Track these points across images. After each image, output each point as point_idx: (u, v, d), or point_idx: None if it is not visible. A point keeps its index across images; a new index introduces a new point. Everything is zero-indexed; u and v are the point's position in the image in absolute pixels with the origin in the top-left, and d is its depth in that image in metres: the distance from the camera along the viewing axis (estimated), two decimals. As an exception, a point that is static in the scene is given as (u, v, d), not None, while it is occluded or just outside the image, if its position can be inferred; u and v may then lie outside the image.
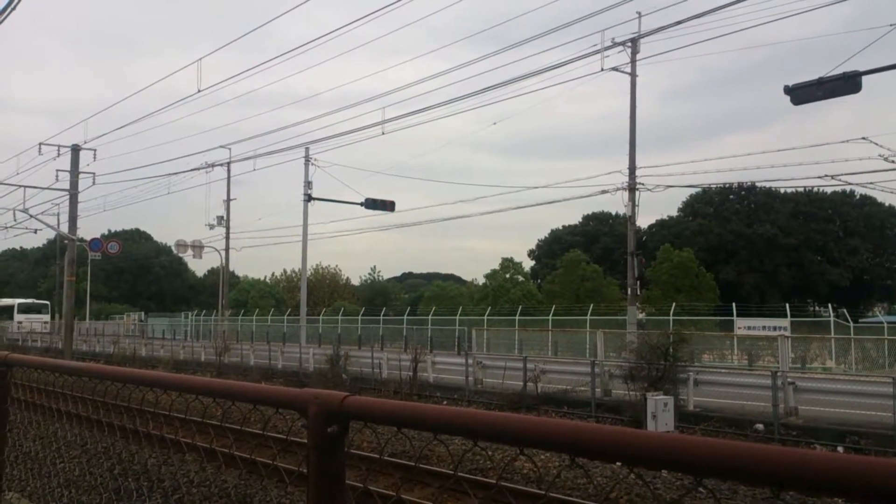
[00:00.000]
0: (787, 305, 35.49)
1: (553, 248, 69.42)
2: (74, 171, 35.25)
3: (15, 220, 40.73)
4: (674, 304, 37.74)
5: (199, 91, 32.51)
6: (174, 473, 8.18)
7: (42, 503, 5.03)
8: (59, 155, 35.70)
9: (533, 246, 75.10)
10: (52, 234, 50.69)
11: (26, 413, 4.74)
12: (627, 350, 21.12)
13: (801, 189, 62.62)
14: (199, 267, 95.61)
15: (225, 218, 44.77)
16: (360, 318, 47.70)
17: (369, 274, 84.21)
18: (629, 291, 27.88)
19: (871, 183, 24.18)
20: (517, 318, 39.34)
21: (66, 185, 35.88)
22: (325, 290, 73.20)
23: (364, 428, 1.78)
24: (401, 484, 7.90)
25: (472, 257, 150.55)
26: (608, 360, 21.57)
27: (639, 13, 25.35)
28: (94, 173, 36.81)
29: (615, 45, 25.74)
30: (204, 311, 58.99)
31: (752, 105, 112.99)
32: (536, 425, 1.27)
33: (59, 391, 4.11)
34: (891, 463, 0.91)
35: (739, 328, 33.01)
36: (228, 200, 44.69)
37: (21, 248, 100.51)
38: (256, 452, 3.06)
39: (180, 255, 59.53)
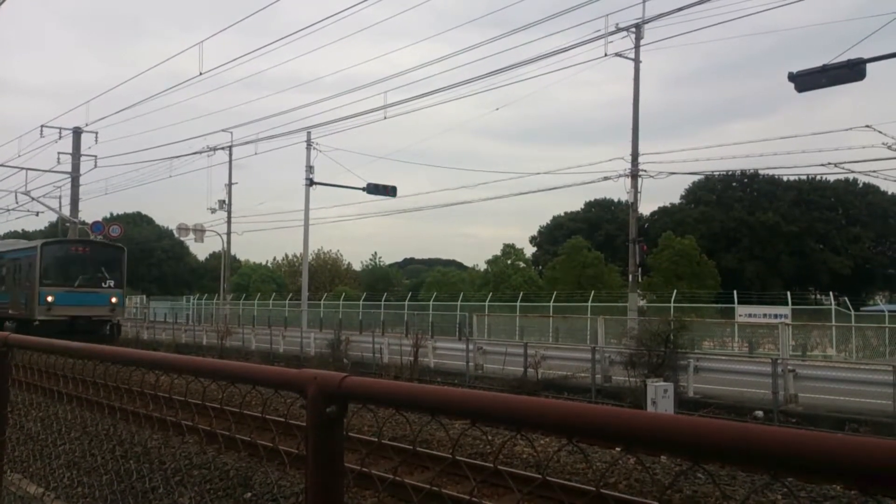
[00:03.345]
0: (789, 293, 35.50)
1: (555, 235, 69.37)
2: (76, 154, 35.28)
3: (17, 203, 40.80)
4: (675, 292, 37.76)
5: (200, 74, 32.44)
6: (175, 455, 8.22)
7: (44, 484, 5.06)
8: (60, 137, 35.73)
9: (534, 232, 75.12)
10: (54, 217, 50.74)
11: (27, 394, 4.76)
12: (628, 337, 21.16)
13: (804, 177, 62.56)
14: (200, 251, 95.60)
15: (227, 202, 44.73)
16: (361, 303, 47.78)
17: (371, 259, 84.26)
18: (630, 278, 27.87)
19: (874, 171, 24.13)
20: (518, 304, 39.39)
21: (68, 168, 35.93)
22: (327, 275, 73.27)
23: (363, 411, 1.78)
24: (399, 467, 7.93)
25: (473, 243, 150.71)
26: (609, 346, 21.62)
27: (643, -2, 25.15)
28: (95, 156, 36.92)
29: (619, 30, 25.59)
30: (205, 295, 59.10)
31: (757, 92, 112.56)
32: (534, 406, 1.27)
33: (60, 373, 4.12)
34: (888, 444, 0.90)
35: (740, 315, 33.03)
36: (230, 184, 44.63)
37: (23, 230, 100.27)
38: (256, 434, 3.07)
39: (182, 238, 59.51)
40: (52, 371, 4.16)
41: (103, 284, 27.46)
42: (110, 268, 27.89)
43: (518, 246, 64.80)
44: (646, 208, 67.17)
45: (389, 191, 37.88)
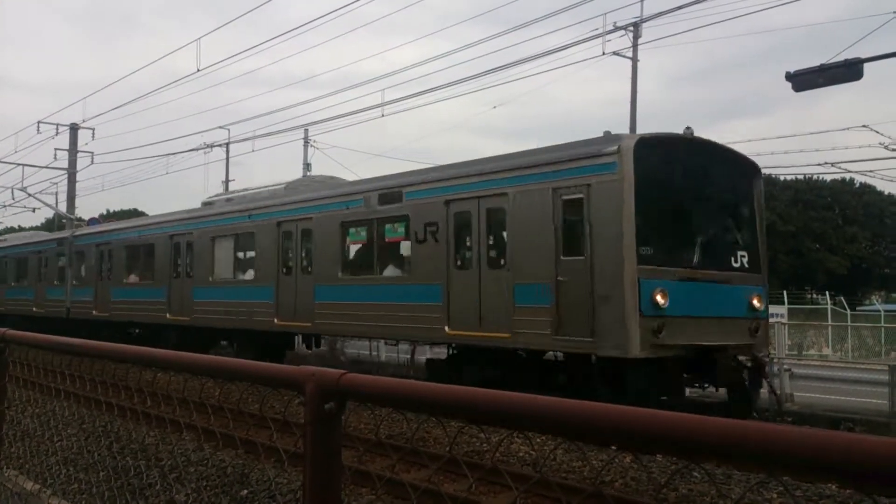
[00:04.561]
0: (785, 292, 35.52)
1: (552, 233, 69.32)
2: (73, 150, 35.20)
3: (13, 199, 40.79)
4: (672, 290, 37.65)
5: (198, 70, 32.24)
6: (172, 452, 8.22)
7: (40, 480, 5.05)
8: (57, 133, 35.63)
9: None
10: (50, 214, 50.72)
11: (24, 391, 4.76)
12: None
13: (801, 176, 62.67)
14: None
15: (224, 199, 44.56)
16: (358, 300, 47.58)
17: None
18: (627, 277, 27.80)
19: (870, 171, 24.32)
20: (515, 302, 39.26)
21: (65, 164, 35.84)
22: (324, 272, 73.04)
23: (361, 408, 1.79)
24: (396, 465, 7.94)
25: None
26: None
27: (641, -4, 25.16)
28: (92, 152, 36.76)
29: (617, 29, 25.61)
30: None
31: (754, 91, 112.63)
32: (532, 404, 1.27)
33: (57, 369, 4.11)
34: (884, 442, 0.91)
35: (737, 314, 32.96)
36: (227, 181, 44.52)
37: (19, 226, 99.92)
38: (254, 432, 3.08)
39: (179, 235, 59.37)
40: (48, 367, 4.15)
41: (734, 262, 12.38)
42: (738, 220, 12.80)
43: (515, 244, 64.70)
44: (643, 207, 67.05)
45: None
